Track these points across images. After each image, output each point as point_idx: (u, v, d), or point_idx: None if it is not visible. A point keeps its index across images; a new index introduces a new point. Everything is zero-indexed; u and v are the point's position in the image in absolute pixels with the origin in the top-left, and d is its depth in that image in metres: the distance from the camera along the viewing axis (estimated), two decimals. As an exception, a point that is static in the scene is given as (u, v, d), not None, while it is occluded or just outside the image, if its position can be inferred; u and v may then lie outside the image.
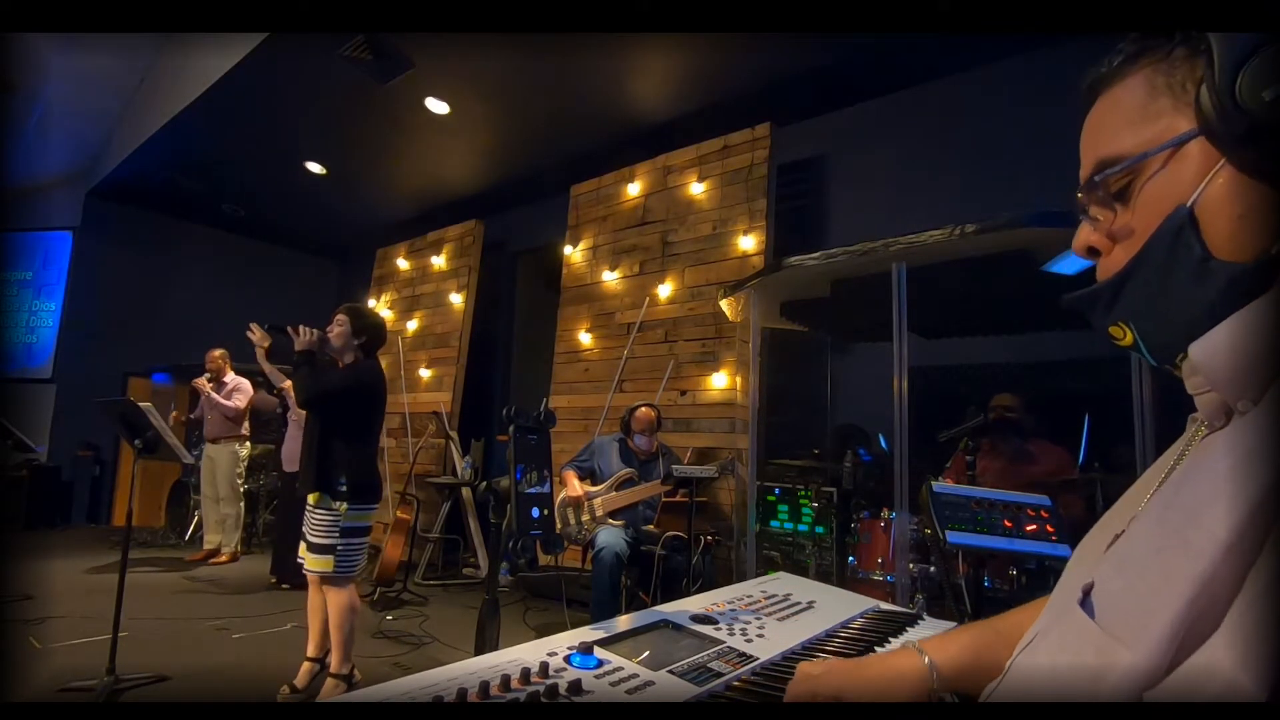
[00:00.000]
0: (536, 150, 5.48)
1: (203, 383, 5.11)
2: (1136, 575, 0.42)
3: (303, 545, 2.63)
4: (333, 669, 2.62)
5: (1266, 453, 0.38)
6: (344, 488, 2.54)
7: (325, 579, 2.58)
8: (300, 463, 2.66)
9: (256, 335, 2.90)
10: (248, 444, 5.35)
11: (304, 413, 2.83)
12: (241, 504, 5.32)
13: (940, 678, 0.63)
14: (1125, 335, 0.49)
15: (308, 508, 2.62)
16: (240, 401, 5.13)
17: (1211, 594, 0.37)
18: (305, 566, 2.60)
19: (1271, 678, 0.33)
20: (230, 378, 5.20)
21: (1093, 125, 0.52)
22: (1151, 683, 0.38)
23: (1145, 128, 0.47)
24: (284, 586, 4.43)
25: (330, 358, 2.75)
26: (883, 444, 3.74)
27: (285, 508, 4.61)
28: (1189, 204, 0.44)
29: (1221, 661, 0.35)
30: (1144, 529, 0.44)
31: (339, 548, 2.54)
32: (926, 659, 0.64)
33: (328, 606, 2.62)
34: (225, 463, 5.21)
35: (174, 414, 5.48)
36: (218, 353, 5.22)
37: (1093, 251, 0.52)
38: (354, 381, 2.65)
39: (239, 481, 5.27)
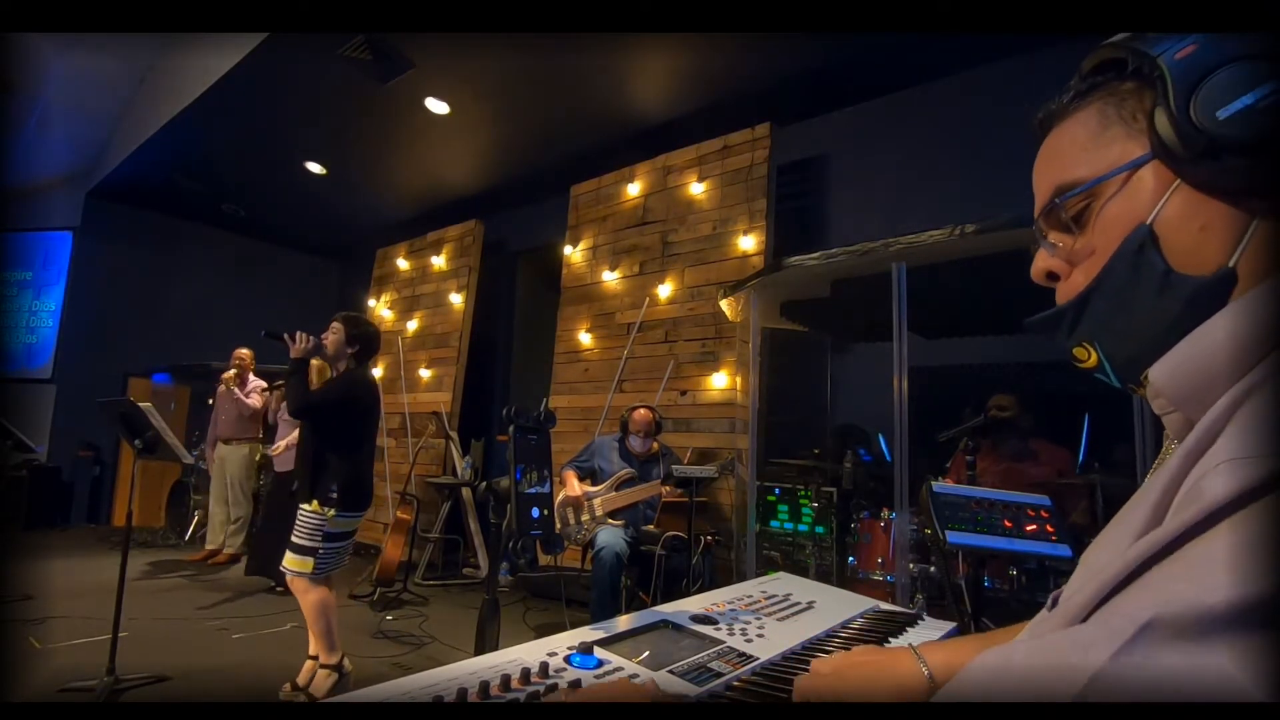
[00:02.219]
0: (536, 150, 5.48)
1: (231, 378, 5.09)
2: (1087, 573, 0.45)
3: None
4: (321, 660, 2.65)
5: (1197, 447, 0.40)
6: (335, 494, 2.59)
7: (299, 577, 2.61)
8: (295, 470, 2.68)
9: None
10: (260, 446, 5.35)
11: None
12: (250, 505, 5.31)
13: (938, 689, 0.62)
14: (1089, 356, 0.51)
15: (299, 509, 2.64)
16: (258, 401, 5.12)
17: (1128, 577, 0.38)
18: (283, 565, 2.62)
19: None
20: (252, 378, 5.19)
21: (1047, 155, 0.55)
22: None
23: (1100, 154, 0.50)
24: (279, 589, 4.41)
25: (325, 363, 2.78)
26: (882, 444, 3.74)
27: (273, 508, 4.61)
28: (1149, 221, 0.47)
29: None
30: (1103, 538, 0.47)
31: (320, 551, 2.60)
32: (926, 670, 0.64)
33: (300, 603, 2.65)
34: (237, 463, 5.20)
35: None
36: (245, 352, 5.19)
37: (1051, 276, 0.54)
38: (344, 393, 2.70)
39: (249, 483, 5.27)
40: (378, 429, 2.93)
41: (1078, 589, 0.43)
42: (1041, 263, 0.54)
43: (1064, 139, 0.53)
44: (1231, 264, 0.44)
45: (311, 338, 2.72)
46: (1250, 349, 0.41)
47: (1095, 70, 0.52)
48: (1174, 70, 0.45)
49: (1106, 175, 0.49)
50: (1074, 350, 0.52)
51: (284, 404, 4.59)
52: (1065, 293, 0.53)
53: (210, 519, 5.35)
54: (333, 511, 2.59)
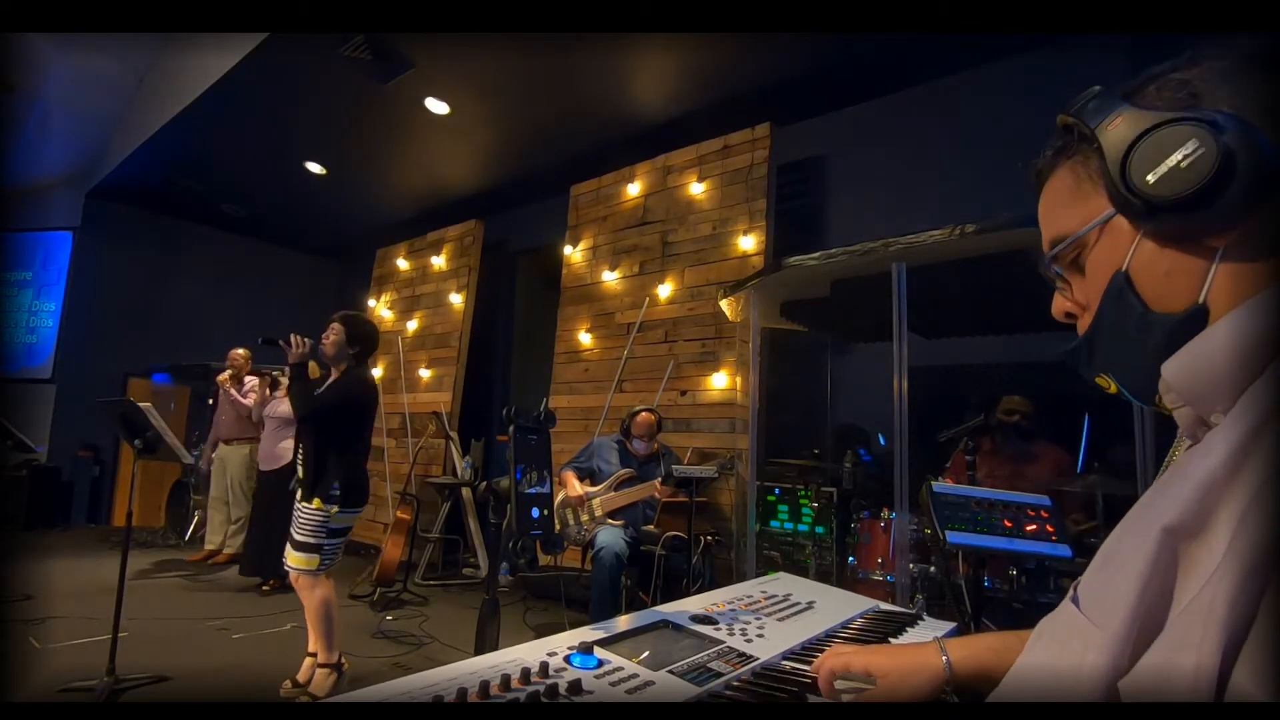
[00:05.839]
0: (536, 150, 5.48)
1: (226, 378, 5.08)
2: (1110, 566, 0.46)
3: (289, 546, 2.66)
4: (320, 660, 2.66)
5: (1222, 445, 0.41)
6: (337, 493, 2.62)
7: (303, 574, 2.63)
8: (299, 470, 2.71)
9: None
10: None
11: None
12: (250, 505, 5.30)
13: (954, 677, 0.68)
14: (1110, 385, 0.56)
15: (299, 508, 2.65)
16: (254, 400, 5.10)
17: (1159, 573, 0.41)
18: (287, 564, 2.63)
19: (1224, 675, 0.35)
20: (250, 379, 5.17)
21: (1042, 210, 0.59)
22: (1119, 663, 0.40)
23: (1079, 209, 0.54)
24: (264, 587, 4.41)
25: (324, 363, 2.79)
26: (882, 443, 3.74)
27: (264, 506, 4.60)
28: (1124, 268, 0.51)
29: (1179, 659, 0.37)
30: (1121, 529, 0.48)
31: (325, 547, 2.62)
32: (945, 658, 0.69)
33: (303, 601, 2.67)
34: (237, 464, 5.18)
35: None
36: (241, 352, 5.17)
37: (1070, 316, 0.59)
38: (348, 396, 2.73)
39: (249, 483, 5.26)
40: (374, 426, 2.96)
41: (1103, 578, 0.46)
42: (1059, 304, 0.59)
43: (1051, 194, 0.57)
44: (1201, 300, 0.47)
45: (308, 341, 2.74)
46: (1258, 347, 0.42)
47: (1062, 131, 0.56)
48: (1108, 139, 0.49)
49: (1084, 230, 0.53)
50: (1096, 380, 0.57)
51: (270, 399, 4.59)
52: (1080, 330, 0.57)
53: (209, 520, 5.35)
54: (336, 509, 2.62)
